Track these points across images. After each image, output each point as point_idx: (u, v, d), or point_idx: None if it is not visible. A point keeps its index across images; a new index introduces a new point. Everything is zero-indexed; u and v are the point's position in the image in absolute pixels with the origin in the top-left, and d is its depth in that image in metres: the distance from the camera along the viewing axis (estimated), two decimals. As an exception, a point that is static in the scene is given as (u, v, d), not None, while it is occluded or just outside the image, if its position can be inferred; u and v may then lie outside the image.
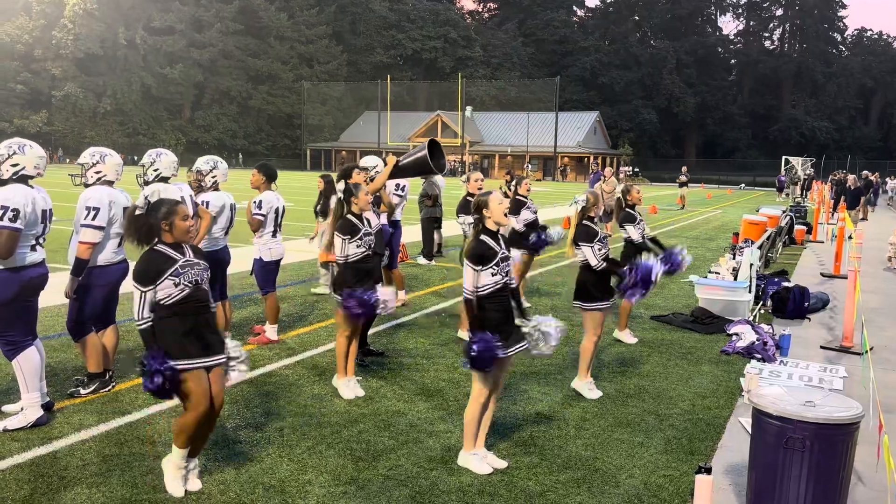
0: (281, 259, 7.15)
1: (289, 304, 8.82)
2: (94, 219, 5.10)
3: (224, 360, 4.02)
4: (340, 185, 8.29)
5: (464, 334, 7.36)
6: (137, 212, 3.90)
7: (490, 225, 4.39)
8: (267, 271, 7.03)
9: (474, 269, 4.29)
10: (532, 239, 8.55)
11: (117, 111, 68.47)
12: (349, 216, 5.57)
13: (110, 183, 5.35)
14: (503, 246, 4.43)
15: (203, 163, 6.69)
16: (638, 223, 7.65)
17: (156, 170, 5.84)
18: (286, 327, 7.70)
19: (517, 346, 4.40)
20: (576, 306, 5.91)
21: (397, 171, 6.70)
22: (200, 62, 72.14)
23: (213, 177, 6.63)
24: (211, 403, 3.93)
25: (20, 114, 64.20)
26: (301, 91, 75.59)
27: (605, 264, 5.73)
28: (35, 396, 4.84)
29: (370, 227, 5.71)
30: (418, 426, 5.07)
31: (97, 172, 5.30)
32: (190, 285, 3.86)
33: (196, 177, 6.62)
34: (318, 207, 9.60)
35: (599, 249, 5.71)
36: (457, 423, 5.11)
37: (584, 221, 5.79)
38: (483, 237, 4.36)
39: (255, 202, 6.86)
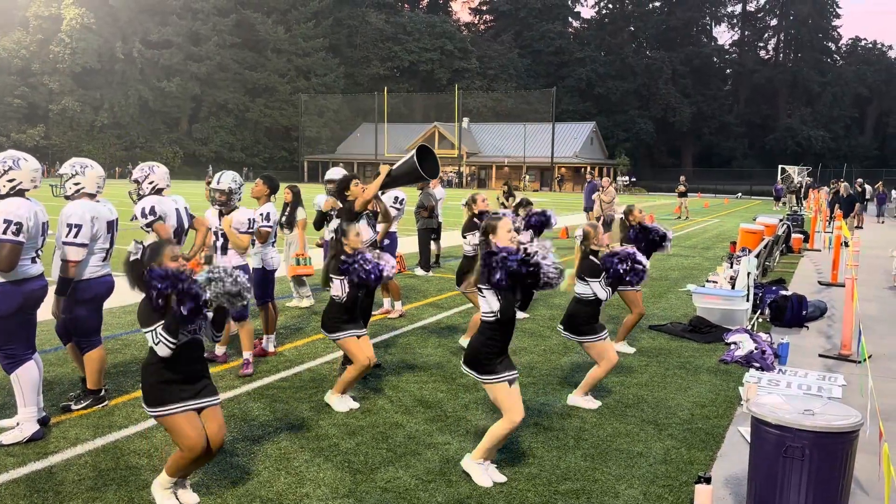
0: (276, 269, 7.17)
1: (285, 317, 8.80)
2: (76, 236, 4.99)
3: (217, 401, 3.99)
4: (321, 199, 8.25)
5: (465, 342, 7.35)
6: (132, 258, 3.84)
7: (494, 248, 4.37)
8: (266, 281, 7.06)
9: (488, 290, 4.25)
10: (532, 220, 8.51)
11: (114, 125, 68.56)
12: (342, 256, 5.51)
13: (91, 196, 5.21)
14: None
15: (230, 180, 6.49)
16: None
17: (151, 182, 5.84)
18: (283, 339, 7.68)
19: (512, 373, 4.41)
20: (568, 337, 5.83)
21: (391, 181, 6.70)
22: (198, 75, 72.28)
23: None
24: (208, 442, 3.91)
25: (17, 128, 64.28)
26: (298, 103, 75.74)
27: (612, 293, 5.74)
28: (32, 411, 4.82)
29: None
30: (417, 438, 5.05)
31: (76, 184, 5.17)
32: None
33: (218, 194, 6.47)
34: (284, 219, 9.22)
35: (606, 282, 5.68)
36: (455, 435, 5.09)
37: (590, 256, 5.76)
38: None
39: (261, 214, 6.89)
